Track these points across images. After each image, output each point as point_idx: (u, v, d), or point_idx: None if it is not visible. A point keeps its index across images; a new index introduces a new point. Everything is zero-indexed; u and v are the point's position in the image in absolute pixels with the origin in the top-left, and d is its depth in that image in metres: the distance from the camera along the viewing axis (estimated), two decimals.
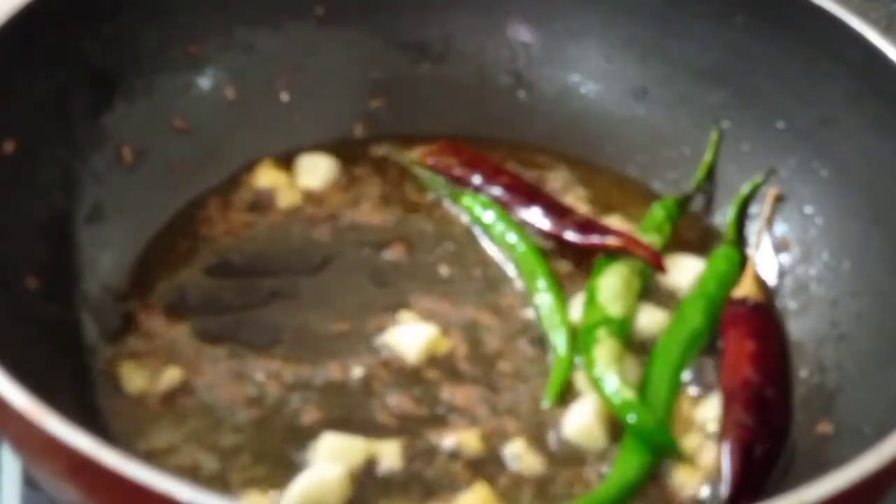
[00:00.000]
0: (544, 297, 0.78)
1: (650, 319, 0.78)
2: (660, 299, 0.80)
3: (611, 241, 0.80)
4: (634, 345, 0.77)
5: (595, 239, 0.80)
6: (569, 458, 0.72)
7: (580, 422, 0.72)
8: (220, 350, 0.75)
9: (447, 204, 0.85)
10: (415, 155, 0.87)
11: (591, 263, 0.80)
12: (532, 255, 0.80)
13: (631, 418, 0.71)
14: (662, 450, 0.71)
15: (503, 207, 0.83)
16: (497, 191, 0.84)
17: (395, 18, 0.89)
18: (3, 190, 0.74)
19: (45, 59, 0.77)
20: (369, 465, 0.70)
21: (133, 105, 0.82)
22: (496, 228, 0.83)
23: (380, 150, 0.88)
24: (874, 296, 0.76)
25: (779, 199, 0.83)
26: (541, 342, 0.77)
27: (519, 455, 0.71)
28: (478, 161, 0.86)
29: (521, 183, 0.85)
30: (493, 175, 0.85)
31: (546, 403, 0.74)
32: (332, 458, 0.70)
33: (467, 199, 0.84)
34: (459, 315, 0.78)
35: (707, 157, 0.85)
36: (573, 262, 0.81)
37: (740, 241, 0.83)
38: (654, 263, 0.79)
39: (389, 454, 0.70)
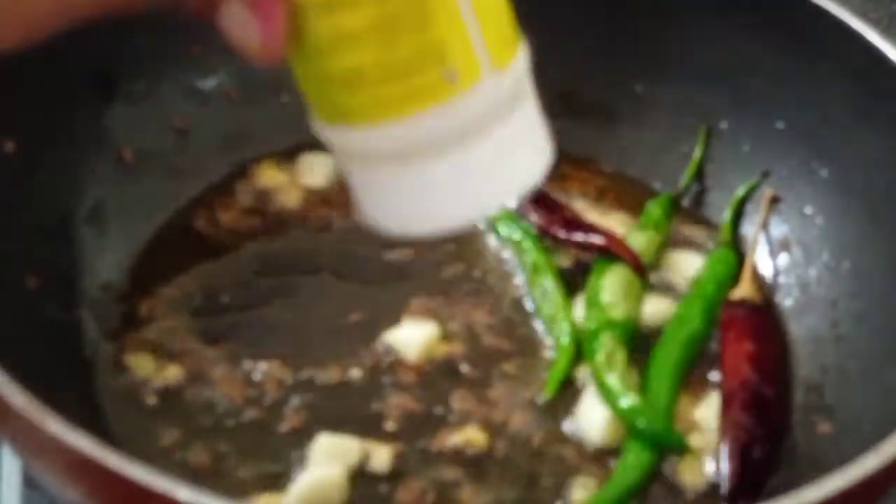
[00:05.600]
0: (547, 294, 0.78)
1: (656, 309, 0.79)
2: (661, 296, 0.80)
3: (595, 240, 0.80)
4: (637, 344, 0.77)
5: (579, 237, 0.80)
6: (573, 457, 0.72)
7: (601, 419, 0.73)
8: (220, 350, 0.75)
9: None
10: None
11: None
12: (535, 252, 0.80)
13: (639, 423, 0.71)
14: (670, 449, 0.71)
15: None
16: None
17: None
18: (3, 190, 0.74)
19: (45, 59, 0.77)
20: (368, 466, 0.70)
21: (133, 105, 0.82)
22: (500, 225, 0.83)
23: None
24: (874, 296, 0.76)
25: (774, 201, 0.83)
26: (542, 341, 0.77)
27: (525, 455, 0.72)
28: None
29: None
30: None
31: (545, 397, 0.74)
32: (329, 458, 0.70)
33: None
34: (460, 315, 0.78)
35: (696, 153, 0.85)
36: (577, 259, 0.81)
37: (738, 242, 0.83)
38: (635, 266, 0.79)
39: (388, 454, 0.70)
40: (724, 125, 0.86)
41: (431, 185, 0.50)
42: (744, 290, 0.79)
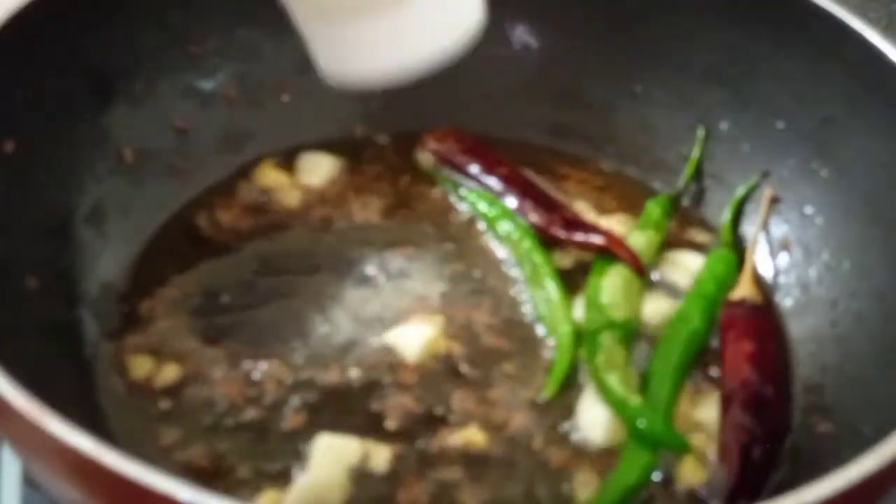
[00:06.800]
0: (547, 294, 0.79)
1: (656, 309, 0.79)
2: (661, 295, 0.80)
3: (595, 239, 0.80)
4: (637, 344, 0.77)
5: (579, 237, 0.81)
6: (574, 457, 0.72)
7: (601, 419, 0.73)
8: (219, 350, 0.75)
9: (449, 203, 0.85)
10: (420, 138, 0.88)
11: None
12: (535, 252, 0.81)
13: (640, 423, 0.71)
14: (670, 449, 0.71)
15: (499, 198, 0.84)
16: (493, 181, 0.84)
17: None
18: (3, 190, 0.74)
19: (45, 59, 0.77)
20: (368, 466, 0.70)
21: (134, 105, 0.82)
22: (500, 225, 0.83)
23: (380, 149, 0.88)
24: (874, 296, 0.76)
25: (774, 201, 0.83)
26: (542, 341, 0.77)
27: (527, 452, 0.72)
28: (479, 150, 0.86)
29: (519, 176, 0.85)
30: (492, 166, 0.85)
31: (545, 397, 0.74)
32: (328, 458, 0.70)
33: (472, 195, 0.84)
34: (460, 315, 0.78)
35: (696, 153, 0.86)
36: (577, 259, 0.81)
37: (738, 242, 0.83)
38: (635, 266, 0.79)
39: (388, 454, 0.70)
40: (724, 125, 0.86)
41: (386, 36, 0.58)
42: (744, 290, 0.79)
